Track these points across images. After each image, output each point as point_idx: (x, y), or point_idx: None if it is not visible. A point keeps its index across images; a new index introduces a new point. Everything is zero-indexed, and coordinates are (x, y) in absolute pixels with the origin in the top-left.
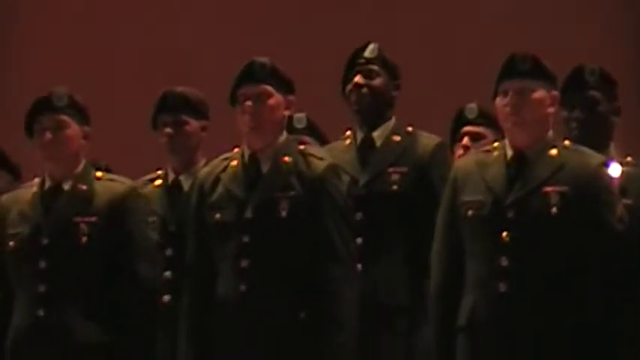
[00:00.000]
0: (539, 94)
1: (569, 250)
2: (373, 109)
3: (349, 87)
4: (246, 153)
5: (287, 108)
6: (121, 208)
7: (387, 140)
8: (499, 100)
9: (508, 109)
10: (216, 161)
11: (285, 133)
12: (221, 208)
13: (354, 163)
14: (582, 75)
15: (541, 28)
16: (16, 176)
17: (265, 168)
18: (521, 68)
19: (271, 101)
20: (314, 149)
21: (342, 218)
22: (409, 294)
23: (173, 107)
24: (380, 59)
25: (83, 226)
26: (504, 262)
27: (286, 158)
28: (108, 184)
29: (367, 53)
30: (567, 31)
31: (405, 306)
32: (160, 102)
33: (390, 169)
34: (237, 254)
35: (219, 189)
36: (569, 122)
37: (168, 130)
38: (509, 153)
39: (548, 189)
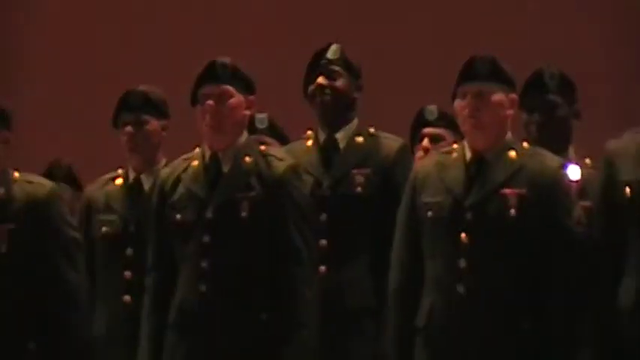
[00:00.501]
0: (498, 97)
1: (528, 252)
2: (336, 110)
3: (312, 88)
4: (207, 153)
5: (248, 108)
6: (41, 212)
7: (350, 142)
8: (458, 103)
9: (467, 111)
10: (177, 161)
11: (245, 134)
12: (182, 208)
13: (316, 165)
14: (542, 78)
15: (507, 26)
16: (80, 190)
17: (226, 168)
18: (481, 71)
19: (232, 101)
20: (275, 150)
21: (303, 219)
22: (374, 296)
23: (134, 106)
24: (342, 60)
25: (2, 234)
26: (462, 263)
27: (247, 158)
28: (26, 186)
29: (330, 54)
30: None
31: (371, 308)
32: (121, 101)
33: (354, 171)
34: (197, 254)
35: (180, 189)
36: (529, 125)
37: (128, 129)
38: (469, 155)
39: (507, 191)
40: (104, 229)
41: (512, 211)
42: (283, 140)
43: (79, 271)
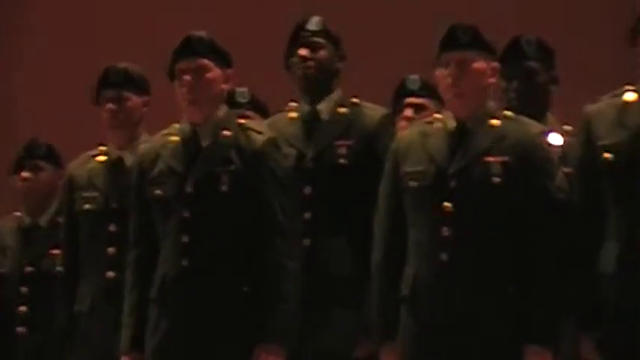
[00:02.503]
0: (480, 65)
1: (511, 219)
2: (319, 82)
3: (293, 60)
4: (186, 128)
5: (225, 82)
6: None
7: (333, 112)
8: (440, 71)
9: (449, 80)
10: (156, 137)
11: (224, 107)
12: (161, 184)
13: (299, 137)
14: (520, 45)
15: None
16: (61, 167)
17: (205, 142)
18: (462, 39)
19: (209, 75)
20: (254, 123)
21: (283, 192)
22: (358, 267)
23: (115, 83)
24: (324, 32)
25: None
26: (446, 232)
27: (226, 132)
28: None
29: (311, 26)
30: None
31: (355, 279)
32: (102, 78)
33: (337, 142)
34: (178, 229)
35: (160, 164)
36: (508, 92)
37: (110, 105)
38: (451, 124)
39: (490, 159)
40: (87, 205)
41: (496, 179)
42: (265, 114)
43: None
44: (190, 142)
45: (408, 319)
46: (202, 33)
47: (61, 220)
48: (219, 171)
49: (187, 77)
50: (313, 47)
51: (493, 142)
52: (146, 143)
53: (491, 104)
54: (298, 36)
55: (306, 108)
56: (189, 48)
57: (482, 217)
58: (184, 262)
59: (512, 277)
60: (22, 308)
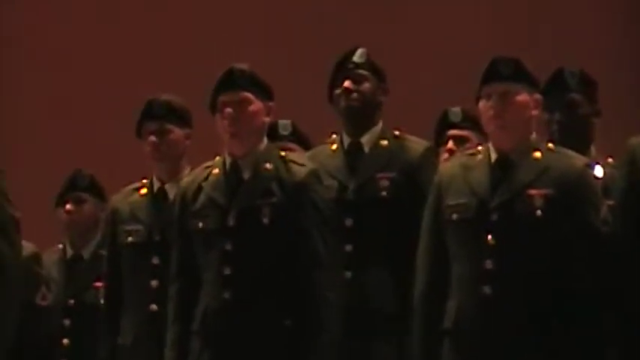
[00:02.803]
0: (522, 97)
1: (554, 252)
2: (362, 115)
3: (338, 92)
4: (228, 160)
5: (267, 114)
6: None
7: (375, 145)
8: (483, 104)
9: (491, 112)
10: (198, 170)
11: (265, 140)
12: (203, 217)
13: (341, 169)
14: (563, 77)
15: (524, 30)
16: (104, 200)
17: (246, 175)
18: (504, 72)
19: (251, 108)
20: (295, 155)
21: (324, 224)
22: (400, 300)
23: (157, 115)
24: (368, 64)
25: None
26: (489, 265)
27: (267, 165)
28: None
29: (356, 58)
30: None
31: (396, 312)
32: (145, 110)
33: (379, 175)
34: (220, 262)
35: (202, 197)
36: (551, 125)
37: (152, 138)
38: (494, 156)
39: (533, 192)
40: (130, 238)
41: (539, 212)
42: (307, 146)
43: (13, 247)
44: (232, 174)
45: (450, 353)
46: (244, 65)
47: (103, 252)
48: (261, 204)
49: (229, 110)
50: (357, 79)
51: (536, 175)
52: (188, 176)
53: (534, 136)
54: (342, 68)
55: (348, 140)
56: (231, 81)
57: (525, 250)
58: (226, 295)
59: (556, 310)
60: (65, 341)
